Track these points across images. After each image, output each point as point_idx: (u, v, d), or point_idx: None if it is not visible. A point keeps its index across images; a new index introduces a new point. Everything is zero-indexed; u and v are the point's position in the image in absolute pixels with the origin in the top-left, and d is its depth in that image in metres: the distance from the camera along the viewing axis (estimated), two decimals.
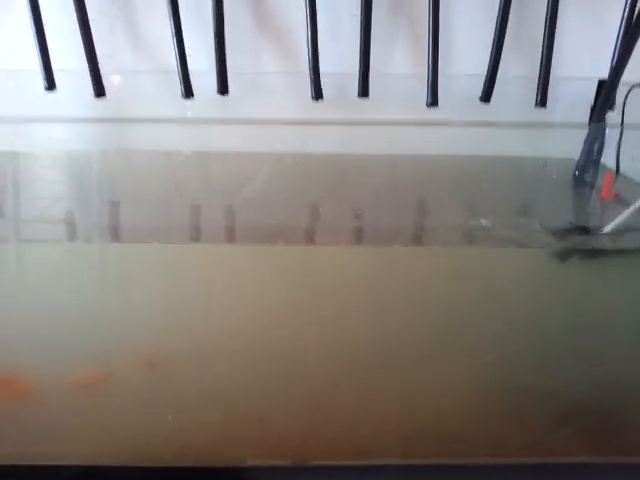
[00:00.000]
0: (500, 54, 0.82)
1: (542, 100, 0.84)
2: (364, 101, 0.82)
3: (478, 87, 0.83)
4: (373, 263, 0.62)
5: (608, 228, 0.60)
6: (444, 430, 0.65)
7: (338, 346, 0.64)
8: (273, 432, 0.65)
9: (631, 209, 0.60)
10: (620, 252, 0.61)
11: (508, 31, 0.82)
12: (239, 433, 0.65)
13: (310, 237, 0.69)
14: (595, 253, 0.61)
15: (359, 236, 0.69)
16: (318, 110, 0.82)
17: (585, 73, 0.86)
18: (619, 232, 0.60)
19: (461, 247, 0.62)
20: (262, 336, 0.63)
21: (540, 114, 0.85)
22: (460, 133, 0.88)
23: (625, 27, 0.81)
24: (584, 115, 0.85)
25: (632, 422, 0.58)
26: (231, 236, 0.71)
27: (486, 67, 0.83)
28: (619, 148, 0.82)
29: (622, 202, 0.69)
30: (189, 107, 0.82)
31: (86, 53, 0.79)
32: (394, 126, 0.87)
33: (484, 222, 0.61)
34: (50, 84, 0.81)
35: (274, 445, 0.67)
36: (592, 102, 0.85)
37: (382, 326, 0.63)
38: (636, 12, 0.80)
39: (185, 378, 0.63)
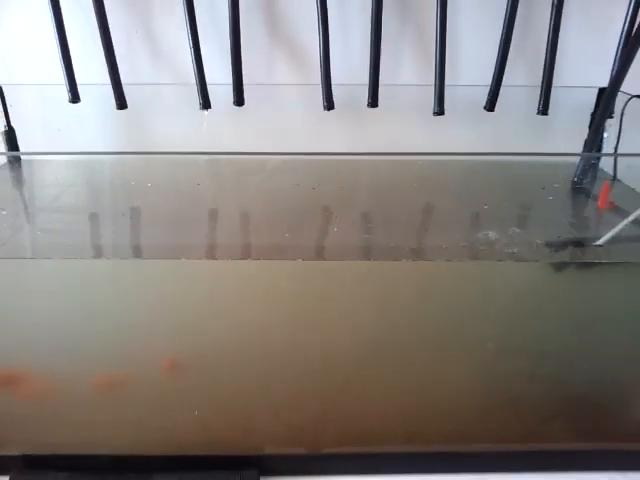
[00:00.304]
0: (504, 66, 0.85)
1: (544, 109, 0.87)
2: (374, 110, 0.86)
3: (483, 96, 0.87)
4: (374, 276, 0.67)
5: (601, 241, 0.64)
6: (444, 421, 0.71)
7: (348, 354, 0.69)
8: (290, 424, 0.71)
9: (622, 224, 0.63)
10: (612, 264, 0.65)
11: (513, 42, 0.85)
12: (259, 426, 0.71)
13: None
14: (589, 264, 0.65)
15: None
16: (329, 119, 0.87)
17: (587, 82, 0.90)
18: (612, 244, 0.64)
19: (460, 260, 0.66)
20: (281, 343, 0.68)
21: (543, 121, 0.88)
22: (465, 140, 0.92)
23: (625, 38, 0.84)
24: (585, 122, 0.89)
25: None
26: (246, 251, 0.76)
27: (491, 76, 0.87)
28: (616, 155, 0.85)
29: (617, 210, 0.73)
30: (207, 117, 0.86)
31: (109, 68, 0.84)
32: (402, 134, 0.91)
33: (490, 235, 0.65)
34: (74, 97, 0.86)
35: (290, 436, 0.73)
36: (592, 110, 0.89)
37: (380, 330, 0.68)
38: (636, 24, 0.83)
39: (209, 379, 0.69)
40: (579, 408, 0.72)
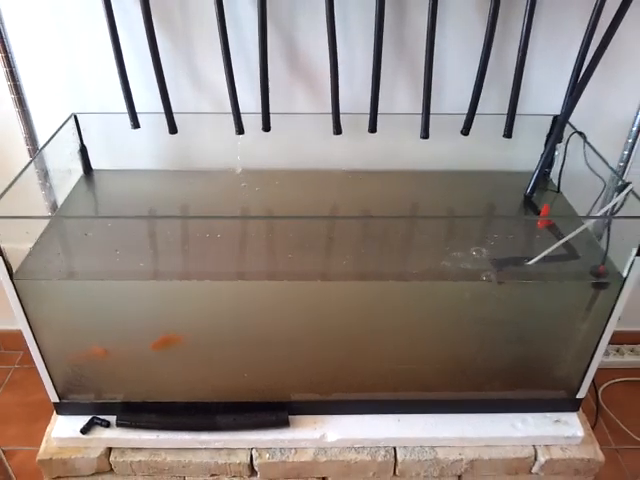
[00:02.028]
0: (477, 99, 1.06)
1: (508, 133, 1.09)
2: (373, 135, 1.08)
3: (461, 122, 1.09)
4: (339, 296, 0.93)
5: (533, 260, 0.88)
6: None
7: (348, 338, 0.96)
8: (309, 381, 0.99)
9: (550, 248, 0.87)
10: (544, 280, 0.91)
11: (490, 75, 1.05)
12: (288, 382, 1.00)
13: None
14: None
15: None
16: (338, 141, 1.09)
17: (547, 110, 1.10)
18: (540, 263, 0.88)
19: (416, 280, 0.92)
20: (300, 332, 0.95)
21: (508, 143, 1.10)
22: (444, 158, 1.14)
23: (575, 75, 1.03)
24: (541, 145, 1.11)
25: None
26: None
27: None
28: (560, 176, 1.08)
29: (553, 229, 0.97)
30: (240, 140, 1.08)
31: (162, 101, 1.05)
32: (394, 153, 1.14)
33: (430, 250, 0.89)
34: (135, 124, 1.07)
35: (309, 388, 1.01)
36: (547, 133, 1.11)
37: (369, 325, 0.94)
38: (585, 64, 1.01)
39: (257, 354, 0.96)
40: (497, 373, 1.01)
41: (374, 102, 1.06)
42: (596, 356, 0.96)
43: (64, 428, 0.99)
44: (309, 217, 0.95)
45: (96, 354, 0.96)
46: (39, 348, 0.91)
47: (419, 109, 1.06)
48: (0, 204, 0.82)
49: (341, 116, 1.07)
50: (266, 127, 1.08)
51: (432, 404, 1.02)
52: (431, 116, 1.07)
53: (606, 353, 1.50)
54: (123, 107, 1.05)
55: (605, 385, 1.46)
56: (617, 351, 1.52)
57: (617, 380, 1.47)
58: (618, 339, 1.52)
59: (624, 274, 0.86)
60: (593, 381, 1.39)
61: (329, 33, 0.99)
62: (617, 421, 1.37)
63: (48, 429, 1.02)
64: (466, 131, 1.09)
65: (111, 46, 0.99)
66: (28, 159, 1.06)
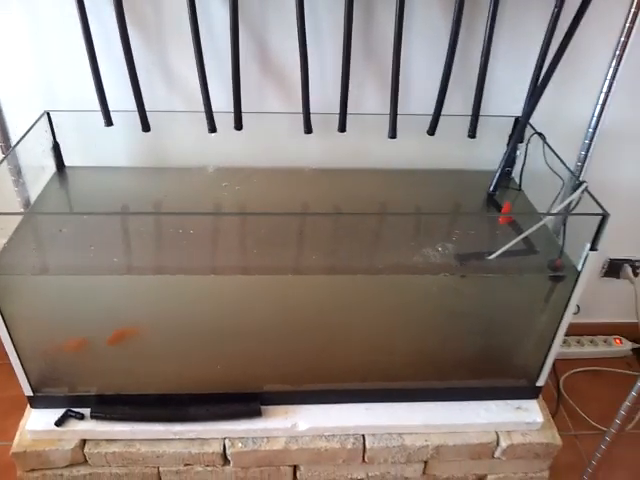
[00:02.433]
0: (443, 101, 1.10)
1: (472, 133, 1.13)
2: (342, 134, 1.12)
3: (427, 123, 1.13)
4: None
5: (494, 255, 0.93)
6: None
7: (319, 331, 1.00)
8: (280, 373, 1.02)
9: (510, 244, 0.92)
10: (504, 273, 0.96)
11: (455, 77, 1.09)
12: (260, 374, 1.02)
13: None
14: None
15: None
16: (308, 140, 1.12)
17: (509, 112, 1.15)
18: (500, 258, 0.93)
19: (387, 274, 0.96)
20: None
21: (472, 143, 1.14)
22: (409, 158, 1.18)
23: (535, 79, 1.08)
24: (503, 145, 1.15)
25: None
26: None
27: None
28: (521, 174, 1.13)
29: (514, 225, 1.02)
30: (212, 138, 1.10)
31: (135, 100, 1.06)
32: (363, 152, 1.18)
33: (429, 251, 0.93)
34: (108, 121, 1.09)
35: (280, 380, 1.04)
36: (509, 134, 1.16)
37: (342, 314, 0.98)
38: (544, 69, 1.06)
39: (228, 344, 0.99)
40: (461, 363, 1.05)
41: (343, 102, 1.09)
42: (554, 346, 1.01)
43: (38, 421, 1.01)
44: (280, 214, 0.99)
45: (72, 346, 0.97)
46: (13, 342, 0.93)
47: (387, 110, 1.10)
48: None
49: (312, 116, 1.10)
50: (238, 126, 1.10)
51: (399, 393, 1.06)
52: (398, 117, 1.11)
53: (567, 344, 1.57)
54: (96, 105, 1.07)
55: (566, 375, 1.52)
56: (578, 342, 1.58)
57: (577, 370, 1.54)
58: (578, 331, 1.59)
59: (579, 268, 0.91)
60: (554, 371, 1.47)
61: (299, 35, 1.02)
62: (577, 408, 1.43)
63: (22, 422, 1.03)
64: (432, 131, 1.14)
65: (84, 44, 1.00)
66: (1, 156, 1.08)
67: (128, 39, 1.00)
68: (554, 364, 1.44)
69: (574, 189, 0.94)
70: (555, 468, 1.15)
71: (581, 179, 1.15)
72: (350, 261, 0.97)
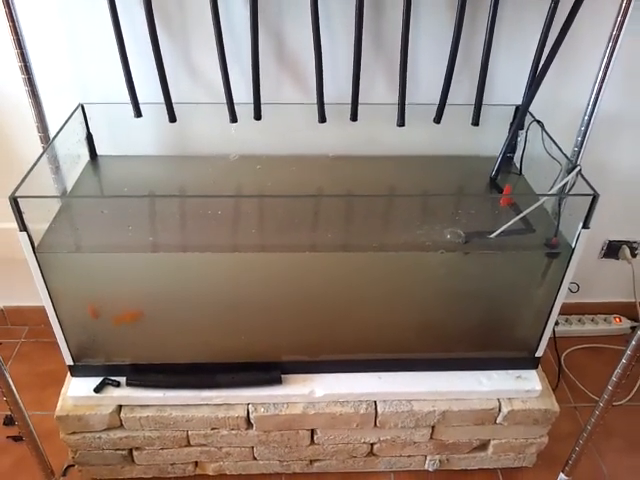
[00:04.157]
0: (448, 91, 1.17)
1: (476, 121, 1.21)
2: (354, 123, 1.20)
3: (433, 112, 1.20)
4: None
5: (494, 234, 1.01)
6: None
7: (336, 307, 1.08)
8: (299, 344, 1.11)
9: (509, 223, 1.00)
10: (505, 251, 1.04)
11: (459, 69, 1.16)
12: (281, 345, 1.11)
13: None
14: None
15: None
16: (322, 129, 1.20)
17: (510, 100, 1.22)
18: (500, 236, 1.01)
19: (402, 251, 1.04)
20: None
21: (475, 130, 1.22)
22: (418, 143, 1.26)
23: (534, 69, 1.15)
24: (505, 132, 1.23)
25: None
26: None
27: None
28: (522, 160, 1.20)
29: (514, 206, 1.09)
30: (234, 127, 1.19)
31: (163, 92, 1.15)
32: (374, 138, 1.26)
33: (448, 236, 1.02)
34: (137, 113, 1.17)
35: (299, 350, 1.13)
36: (511, 121, 1.23)
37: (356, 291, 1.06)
38: (543, 58, 1.13)
39: (255, 319, 1.08)
40: (465, 335, 1.14)
41: (355, 93, 1.17)
42: (551, 318, 1.09)
43: (78, 388, 1.10)
44: (297, 196, 1.07)
45: (128, 317, 1.07)
46: (57, 316, 1.02)
47: (396, 99, 1.18)
48: (21, 187, 0.92)
49: (325, 106, 1.18)
50: (257, 116, 1.19)
51: (409, 363, 1.15)
52: (406, 106, 1.19)
53: (569, 322, 1.65)
54: (126, 98, 1.15)
55: (567, 351, 1.60)
56: (579, 320, 1.66)
57: (578, 347, 1.62)
58: (580, 310, 1.66)
59: (572, 245, 0.99)
60: (556, 347, 1.55)
61: (313, 30, 1.10)
62: (577, 382, 1.51)
63: (63, 390, 1.13)
64: (438, 119, 1.21)
65: (115, 41, 1.09)
66: (40, 146, 1.16)
67: (156, 36, 1.09)
68: (556, 341, 1.53)
69: (568, 172, 1.02)
70: (555, 436, 1.23)
71: (577, 163, 1.23)
72: (362, 239, 1.06)
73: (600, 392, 1.06)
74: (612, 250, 1.55)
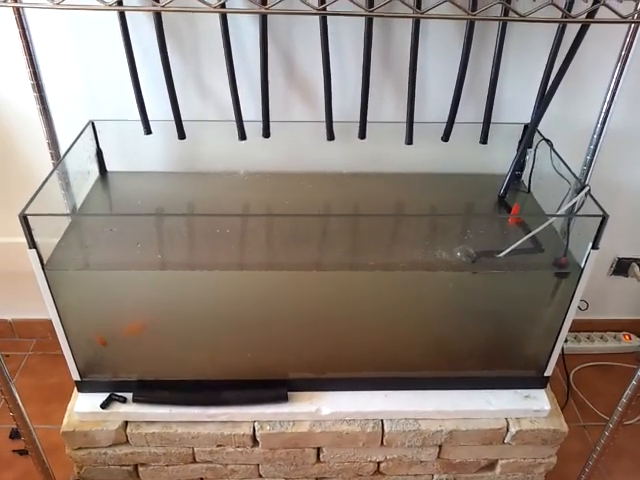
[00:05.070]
0: (456, 109, 1.18)
1: (484, 139, 1.21)
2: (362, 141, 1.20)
3: (441, 130, 1.21)
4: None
5: (503, 253, 1.01)
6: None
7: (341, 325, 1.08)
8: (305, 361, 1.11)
9: (517, 243, 0.99)
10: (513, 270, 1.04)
11: (468, 87, 1.17)
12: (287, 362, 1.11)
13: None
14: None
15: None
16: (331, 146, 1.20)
17: (519, 119, 1.23)
18: (511, 255, 1.01)
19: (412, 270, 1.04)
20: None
21: (484, 148, 1.22)
22: (425, 163, 1.27)
23: (542, 88, 1.15)
24: (513, 151, 1.23)
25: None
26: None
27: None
28: (530, 178, 1.20)
29: (522, 225, 1.09)
30: (242, 145, 1.19)
31: (172, 110, 1.16)
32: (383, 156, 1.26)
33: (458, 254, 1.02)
34: (147, 130, 1.18)
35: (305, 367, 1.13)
36: (519, 139, 1.23)
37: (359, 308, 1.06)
38: (551, 78, 1.13)
39: (261, 336, 1.08)
40: (473, 354, 1.13)
41: (363, 111, 1.18)
42: (560, 338, 1.08)
43: (85, 404, 1.10)
44: (304, 215, 1.08)
45: (133, 330, 1.07)
46: (65, 331, 1.02)
47: (404, 118, 1.19)
48: (31, 205, 0.93)
49: (334, 124, 1.19)
50: (266, 134, 1.19)
51: (416, 381, 1.14)
52: (414, 124, 1.19)
53: (578, 340, 1.64)
54: (136, 115, 1.16)
55: (576, 369, 1.59)
56: (588, 338, 1.65)
57: (587, 364, 1.60)
58: (589, 327, 1.65)
59: (582, 265, 0.98)
60: (565, 365, 1.54)
61: (323, 49, 1.10)
62: (586, 401, 1.50)
63: (69, 405, 1.13)
64: (446, 138, 1.21)
65: (126, 59, 1.10)
66: (50, 162, 1.18)
67: (167, 54, 1.10)
68: (564, 358, 1.52)
69: (577, 192, 1.01)
70: (564, 456, 1.22)
71: (586, 183, 1.23)
72: (369, 258, 1.06)
73: (610, 411, 1.05)
74: (622, 267, 1.54)
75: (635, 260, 1.53)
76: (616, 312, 1.65)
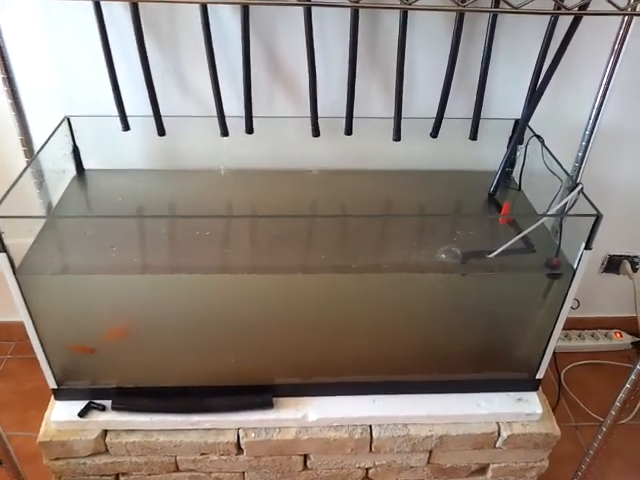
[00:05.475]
0: (445, 104, 1.14)
1: (473, 135, 1.18)
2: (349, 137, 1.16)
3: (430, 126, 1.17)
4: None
5: (493, 254, 0.97)
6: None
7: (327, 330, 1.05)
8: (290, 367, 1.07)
9: (508, 243, 0.96)
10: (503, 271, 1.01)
11: (457, 82, 1.13)
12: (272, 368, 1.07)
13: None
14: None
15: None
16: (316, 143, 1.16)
17: (510, 115, 1.19)
18: (502, 255, 0.97)
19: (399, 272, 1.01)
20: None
21: (473, 145, 1.19)
22: (413, 160, 1.23)
23: (533, 82, 1.12)
24: (504, 147, 1.20)
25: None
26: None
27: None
28: (521, 175, 1.17)
29: (513, 225, 1.06)
30: (224, 141, 1.15)
31: (151, 105, 1.11)
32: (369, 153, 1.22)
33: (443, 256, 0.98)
34: (125, 126, 1.14)
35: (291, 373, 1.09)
36: (510, 135, 1.20)
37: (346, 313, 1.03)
38: (542, 73, 1.10)
39: (245, 342, 1.04)
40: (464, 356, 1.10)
41: (350, 107, 1.14)
42: (552, 340, 1.05)
43: (62, 412, 1.06)
44: (289, 216, 1.03)
45: (114, 334, 1.03)
46: (39, 338, 0.98)
47: (391, 113, 1.15)
48: (1, 206, 0.88)
49: (319, 119, 1.15)
50: (249, 130, 1.15)
51: (405, 385, 1.11)
52: (402, 120, 1.15)
53: (568, 338, 1.61)
54: (114, 110, 1.12)
55: (567, 368, 1.57)
56: (579, 336, 1.63)
57: (579, 363, 1.58)
58: (580, 325, 1.63)
59: (574, 266, 0.96)
60: (556, 363, 1.52)
61: (307, 42, 1.06)
62: (577, 400, 1.48)
63: (47, 414, 1.08)
64: (435, 134, 1.18)
65: (102, 51, 1.05)
66: (24, 160, 1.13)
67: (144, 47, 1.05)
68: (555, 357, 1.50)
69: (570, 190, 0.98)
70: (556, 458, 1.19)
71: (579, 179, 1.20)
72: (356, 260, 1.02)
73: (602, 410, 1.03)
74: (613, 265, 1.52)
75: (627, 257, 1.50)
76: (607, 310, 1.63)
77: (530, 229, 0.96)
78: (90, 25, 1.03)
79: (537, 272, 1.01)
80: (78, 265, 1.00)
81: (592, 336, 1.64)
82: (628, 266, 1.51)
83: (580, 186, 0.96)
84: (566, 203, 0.98)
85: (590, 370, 1.58)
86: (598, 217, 0.90)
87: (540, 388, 1.14)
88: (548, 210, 1.07)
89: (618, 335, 1.64)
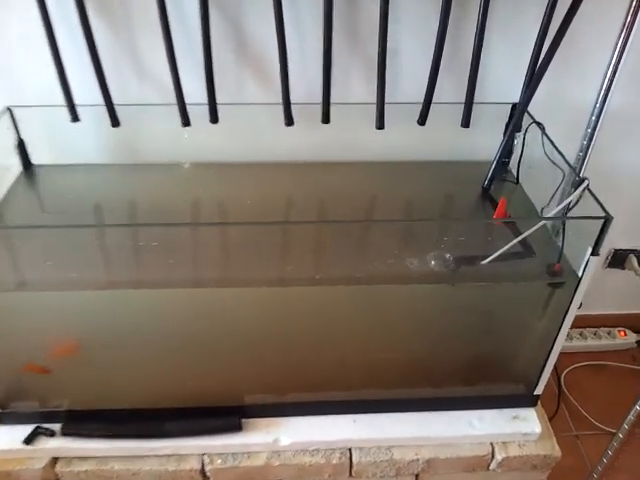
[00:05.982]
0: (433, 88, 1.02)
1: (466, 122, 1.05)
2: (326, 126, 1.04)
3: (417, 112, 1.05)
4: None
5: (487, 260, 0.86)
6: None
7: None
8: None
9: (503, 249, 0.85)
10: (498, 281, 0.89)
11: (447, 62, 1.01)
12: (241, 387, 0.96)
13: None
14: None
15: None
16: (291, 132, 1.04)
17: (506, 99, 1.07)
18: (496, 261, 0.86)
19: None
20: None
21: (466, 132, 1.06)
22: (398, 150, 1.11)
23: (533, 63, 1.00)
24: (500, 134, 1.07)
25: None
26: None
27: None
28: (519, 166, 1.05)
29: (510, 225, 0.94)
30: (186, 132, 1.03)
31: (102, 92, 0.99)
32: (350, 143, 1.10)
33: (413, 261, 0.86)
34: (74, 117, 1.01)
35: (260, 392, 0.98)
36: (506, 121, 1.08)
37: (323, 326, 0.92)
38: (542, 55, 0.98)
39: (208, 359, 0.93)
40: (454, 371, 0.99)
41: (326, 92, 1.01)
42: (553, 353, 0.94)
43: (6, 439, 0.95)
44: (261, 224, 0.90)
45: (63, 351, 0.92)
46: None
47: (374, 99, 1.02)
48: None
49: (293, 106, 1.02)
50: (213, 119, 1.03)
51: (389, 404, 1.00)
52: (386, 106, 1.03)
53: (569, 337, 1.51)
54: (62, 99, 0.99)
55: (568, 370, 1.46)
56: (580, 335, 1.52)
57: (580, 364, 1.48)
58: (581, 323, 1.53)
59: (579, 273, 0.84)
60: (555, 366, 1.41)
61: (276, 19, 0.94)
62: (578, 407, 1.37)
63: None
64: (422, 121, 1.05)
65: (45, 34, 0.93)
66: None
67: (89, 26, 0.92)
68: None
69: (574, 187, 0.86)
70: (555, 473, 1.09)
71: (583, 171, 1.08)
72: (334, 271, 0.90)
73: (605, 418, 0.93)
74: (618, 259, 1.41)
75: (632, 251, 1.39)
76: (611, 306, 1.52)
77: (529, 232, 0.84)
78: (29, 1, 0.90)
79: (536, 280, 0.89)
80: (12, 280, 0.88)
81: (594, 335, 1.53)
82: (634, 261, 1.39)
83: (586, 182, 0.84)
84: (570, 202, 0.86)
85: (592, 372, 1.48)
86: (607, 219, 0.78)
87: (539, 403, 1.04)
88: (549, 204, 0.95)
89: (622, 333, 1.54)
